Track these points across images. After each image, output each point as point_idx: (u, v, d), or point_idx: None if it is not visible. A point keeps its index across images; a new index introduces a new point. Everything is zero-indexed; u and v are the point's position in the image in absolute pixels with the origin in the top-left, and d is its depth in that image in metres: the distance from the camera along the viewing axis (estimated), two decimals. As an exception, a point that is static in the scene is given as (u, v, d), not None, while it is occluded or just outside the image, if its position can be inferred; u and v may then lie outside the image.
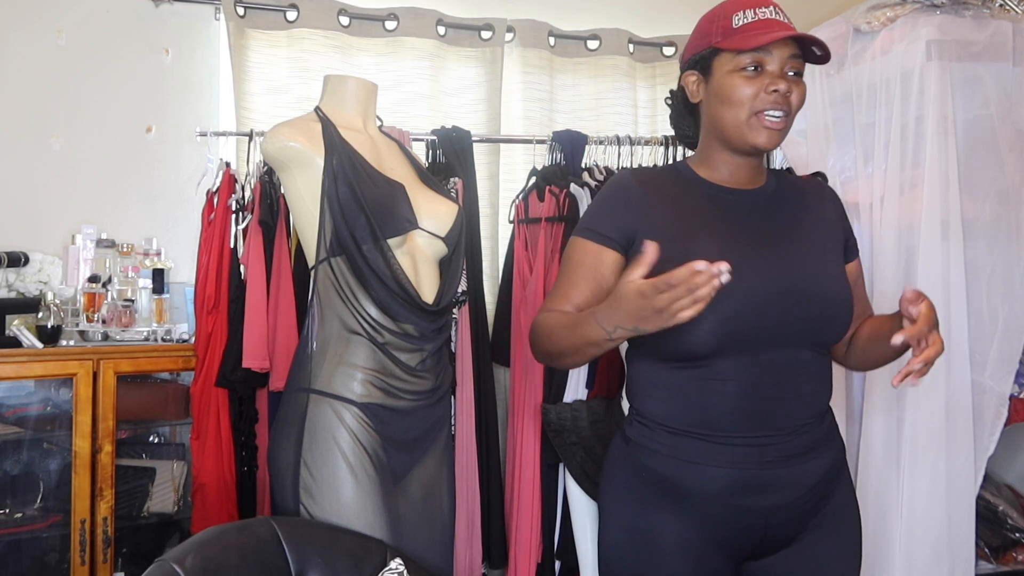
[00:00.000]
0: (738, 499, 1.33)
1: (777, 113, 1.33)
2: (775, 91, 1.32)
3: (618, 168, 2.59)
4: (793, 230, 1.40)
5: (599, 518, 1.48)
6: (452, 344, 2.32)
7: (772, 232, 1.39)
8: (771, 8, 1.36)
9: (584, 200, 2.38)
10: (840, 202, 1.53)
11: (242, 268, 2.23)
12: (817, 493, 1.38)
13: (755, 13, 1.35)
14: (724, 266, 1.07)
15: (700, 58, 1.40)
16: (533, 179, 2.53)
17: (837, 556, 1.42)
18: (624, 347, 1.51)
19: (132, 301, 2.39)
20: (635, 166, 2.62)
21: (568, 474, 2.26)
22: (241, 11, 2.64)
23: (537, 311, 1.44)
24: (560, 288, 1.43)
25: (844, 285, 1.39)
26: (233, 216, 2.26)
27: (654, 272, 1.15)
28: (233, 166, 2.38)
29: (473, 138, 2.57)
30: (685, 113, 1.48)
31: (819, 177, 2.23)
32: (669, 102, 1.53)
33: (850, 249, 1.51)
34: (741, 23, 1.35)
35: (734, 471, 1.32)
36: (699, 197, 1.41)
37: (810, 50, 1.36)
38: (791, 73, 1.35)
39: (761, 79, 1.33)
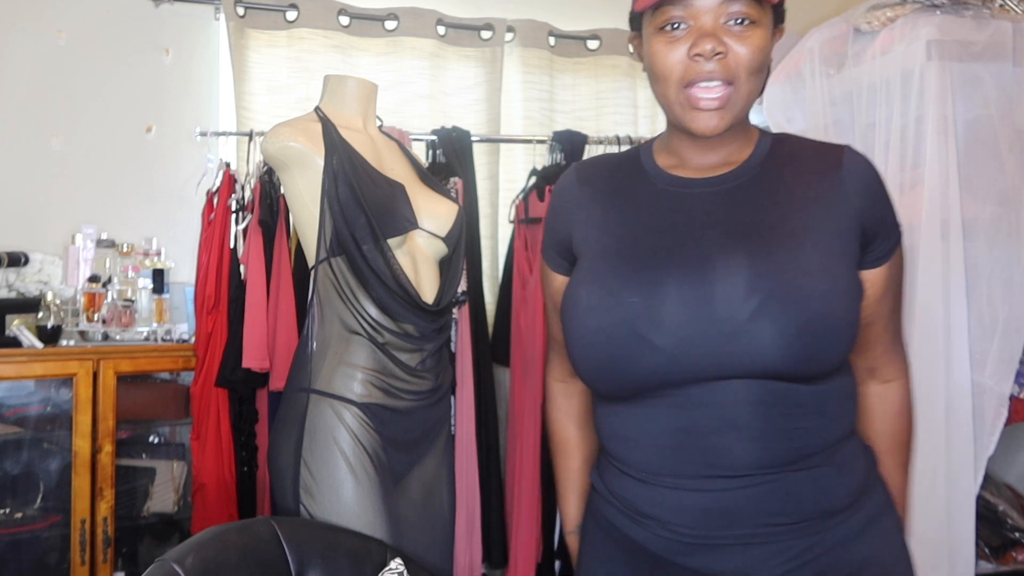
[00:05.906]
0: (688, 559, 1.03)
1: (710, 85, 0.98)
2: (698, 55, 0.98)
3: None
4: (769, 229, 1.02)
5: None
6: (452, 344, 2.32)
7: (733, 233, 1.02)
8: None
9: (584, 200, 2.38)
10: (873, 175, 1.08)
11: (242, 268, 2.23)
12: (816, 565, 1.01)
13: None
14: None
15: (632, 17, 1.09)
16: (533, 179, 2.53)
17: None
18: None
19: (132, 301, 2.39)
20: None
21: (568, 474, 2.25)
22: (241, 11, 2.64)
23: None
24: (552, 332, 1.29)
25: (831, 300, 0.98)
26: (233, 216, 2.26)
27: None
28: (233, 166, 2.38)
29: (473, 138, 2.57)
30: None
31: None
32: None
33: (875, 244, 1.06)
34: None
35: (678, 523, 1.02)
36: (648, 193, 1.10)
37: None
38: (734, 23, 0.98)
39: (687, 38, 0.99)
